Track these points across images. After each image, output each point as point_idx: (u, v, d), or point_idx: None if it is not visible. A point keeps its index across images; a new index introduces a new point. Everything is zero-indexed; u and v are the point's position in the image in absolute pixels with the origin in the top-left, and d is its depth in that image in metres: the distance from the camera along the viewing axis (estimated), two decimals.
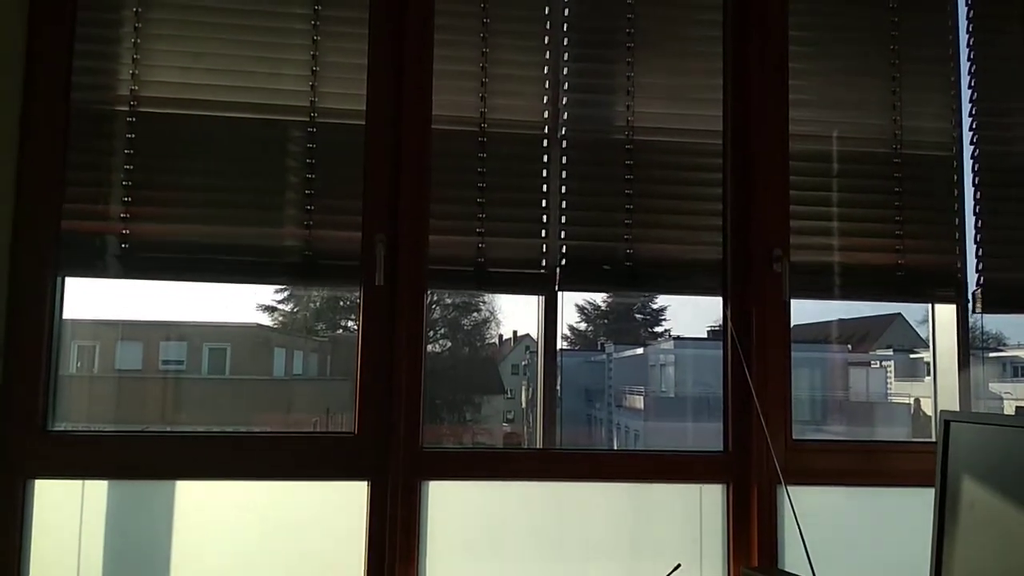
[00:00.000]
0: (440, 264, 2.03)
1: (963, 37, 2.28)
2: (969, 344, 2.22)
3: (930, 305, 2.26)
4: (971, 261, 2.21)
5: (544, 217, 2.09)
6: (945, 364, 2.27)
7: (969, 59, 2.28)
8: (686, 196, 2.16)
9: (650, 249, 2.12)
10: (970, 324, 2.21)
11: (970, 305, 2.20)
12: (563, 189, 2.11)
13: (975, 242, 2.22)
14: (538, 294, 2.12)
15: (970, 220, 2.23)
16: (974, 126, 2.27)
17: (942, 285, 2.20)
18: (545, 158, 2.11)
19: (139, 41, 1.99)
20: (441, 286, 2.12)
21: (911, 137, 2.22)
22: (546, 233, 2.09)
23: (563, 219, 2.10)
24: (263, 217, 1.99)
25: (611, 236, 2.11)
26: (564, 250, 2.09)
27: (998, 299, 2.21)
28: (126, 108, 1.98)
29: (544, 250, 2.09)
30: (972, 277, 2.21)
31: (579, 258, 2.09)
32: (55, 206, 1.92)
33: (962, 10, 2.28)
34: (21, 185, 1.90)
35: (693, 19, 2.21)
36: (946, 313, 2.24)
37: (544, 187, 2.11)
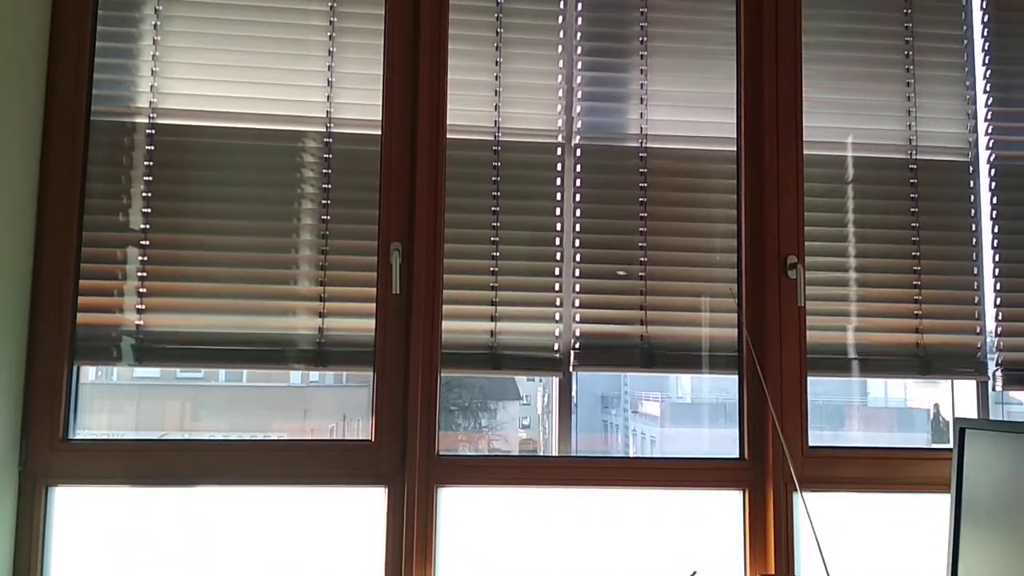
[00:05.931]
0: (454, 347, 2.06)
1: (978, 42, 2.28)
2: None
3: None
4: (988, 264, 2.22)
5: (558, 240, 2.12)
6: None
7: (984, 64, 2.28)
8: (701, 203, 2.17)
9: (664, 289, 2.13)
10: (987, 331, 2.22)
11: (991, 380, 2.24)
12: (576, 197, 2.13)
13: (992, 247, 2.22)
14: (553, 373, 2.12)
15: (987, 225, 2.23)
16: (990, 131, 2.26)
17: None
18: (559, 166, 2.13)
19: (158, 54, 2.03)
20: (454, 368, 2.10)
21: (926, 143, 2.23)
22: (560, 255, 2.11)
23: (576, 238, 2.12)
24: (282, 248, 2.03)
25: (626, 256, 2.14)
26: (578, 286, 2.12)
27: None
28: (145, 121, 2.02)
29: (557, 283, 2.11)
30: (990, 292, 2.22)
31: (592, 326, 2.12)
32: (76, 217, 1.97)
33: (977, 15, 2.28)
34: (44, 190, 1.95)
35: (707, 25, 2.21)
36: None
37: (558, 199, 2.13)
